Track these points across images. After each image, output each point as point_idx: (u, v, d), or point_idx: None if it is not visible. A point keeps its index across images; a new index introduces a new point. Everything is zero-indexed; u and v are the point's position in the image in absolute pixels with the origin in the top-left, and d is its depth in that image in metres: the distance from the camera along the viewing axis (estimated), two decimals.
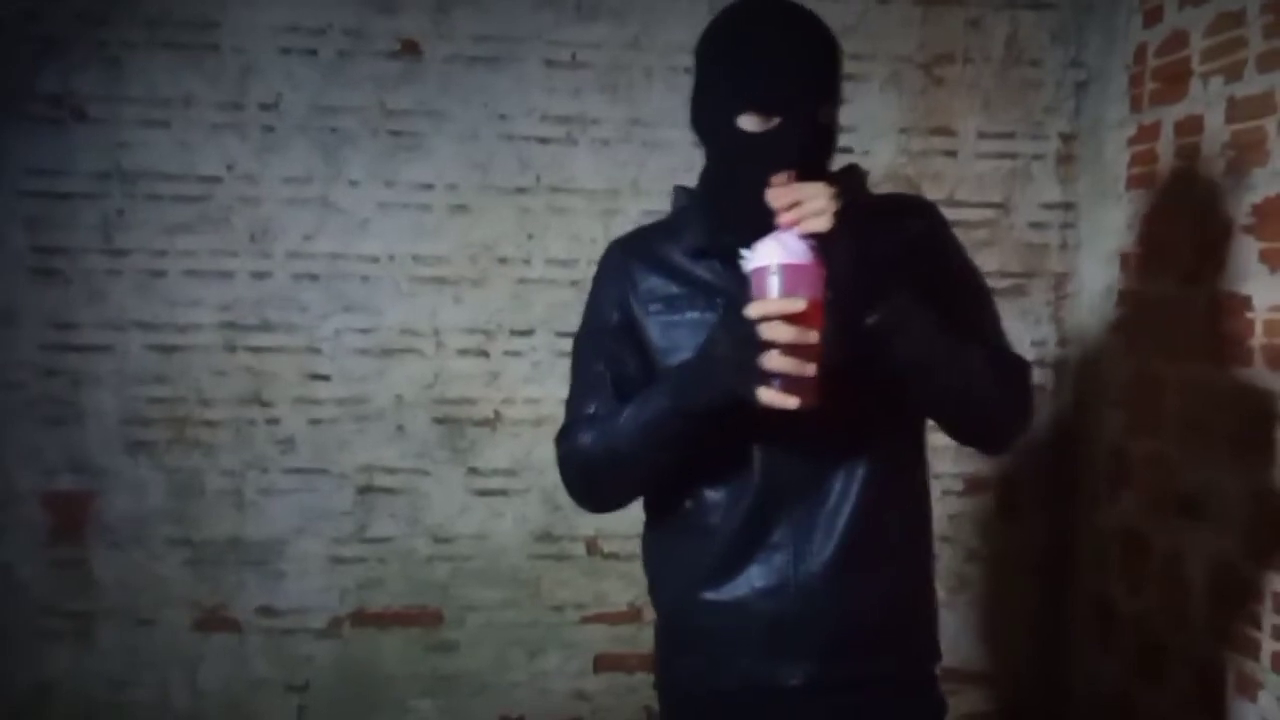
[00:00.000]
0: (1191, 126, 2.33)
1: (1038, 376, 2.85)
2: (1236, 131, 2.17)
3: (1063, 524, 2.88)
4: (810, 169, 1.32)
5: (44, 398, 2.70)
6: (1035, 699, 2.93)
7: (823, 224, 1.21)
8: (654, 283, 1.46)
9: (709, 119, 1.42)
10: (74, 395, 2.70)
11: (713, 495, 1.44)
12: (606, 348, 1.49)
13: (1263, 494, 2.04)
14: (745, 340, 1.23)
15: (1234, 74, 2.18)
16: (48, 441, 2.70)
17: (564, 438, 1.52)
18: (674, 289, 1.45)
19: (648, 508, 1.57)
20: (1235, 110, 2.18)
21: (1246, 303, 2.12)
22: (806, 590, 1.42)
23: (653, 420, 1.37)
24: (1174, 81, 2.41)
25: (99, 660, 2.75)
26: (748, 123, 1.33)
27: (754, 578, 1.43)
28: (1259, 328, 2.08)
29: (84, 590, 2.74)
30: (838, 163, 1.44)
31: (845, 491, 1.42)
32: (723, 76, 1.38)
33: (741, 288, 1.30)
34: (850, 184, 1.40)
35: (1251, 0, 2.12)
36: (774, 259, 1.21)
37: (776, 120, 1.32)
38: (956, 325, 1.38)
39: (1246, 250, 2.13)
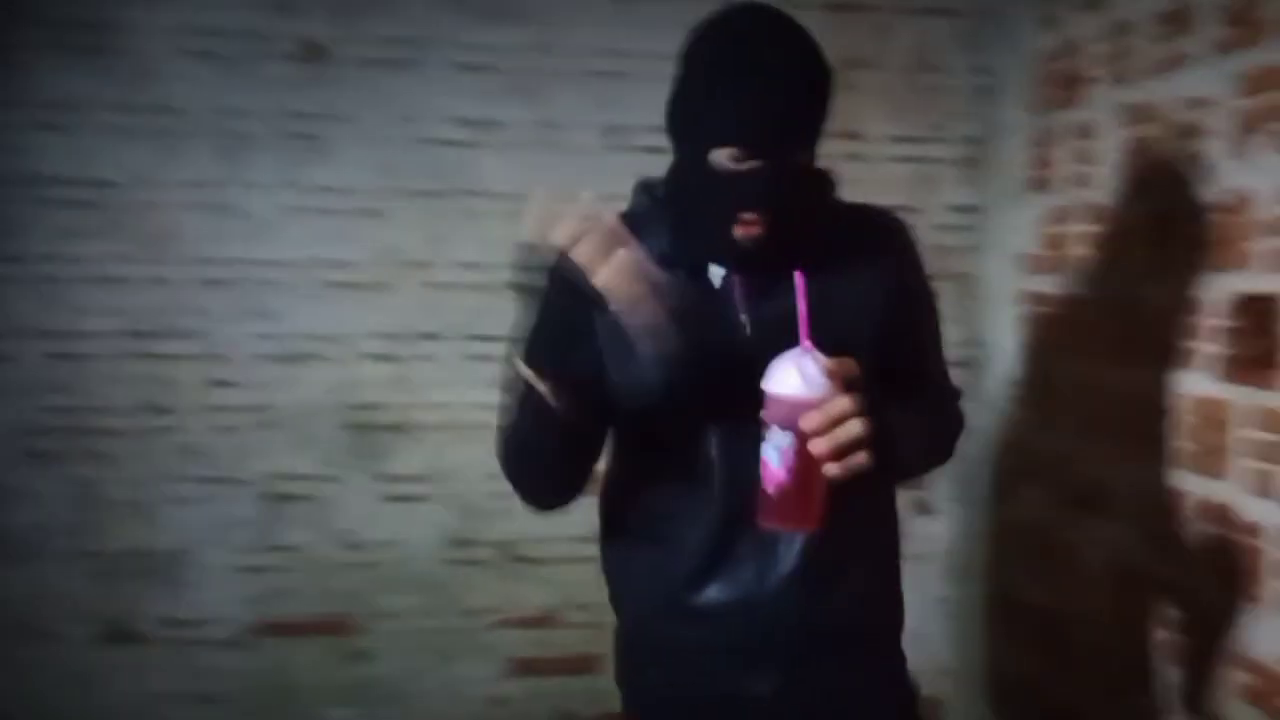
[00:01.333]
0: (1085, 131, 2.38)
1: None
2: (1126, 137, 2.22)
3: (972, 519, 2.93)
4: (784, 210, 1.27)
5: None
6: (949, 687, 2.98)
7: (862, 460, 1.18)
8: None
9: (683, 138, 1.35)
10: None
11: (676, 506, 1.43)
12: (553, 347, 1.39)
13: (1156, 489, 2.09)
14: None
15: (1124, 80, 2.23)
16: None
17: (500, 440, 1.47)
18: None
19: (604, 518, 1.56)
20: (1125, 116, 2.22)
21: (1138, 303, 2.16)
22: (772, 601, 1.41)
23: (517, 401, 1.33)
24: (1069, 87, 2.45)
25: None
26: (723, 156, 1.27)
27: (720, 590, 1.43)
28: (1152, 327, 2.12)
29: None
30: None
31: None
32: (703, 100, 1.29)
33: (708, 296, 1.35)
34: (820, 190, 1.40)
35: (1140, 9, 2.16)
36: (799, 391, 1.18)
37: (754, 162, 1.26)
38: (906, 351, 1.43)
39: (1137, 252, 2.17)
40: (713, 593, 1.43)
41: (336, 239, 2.71)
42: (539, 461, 1.42)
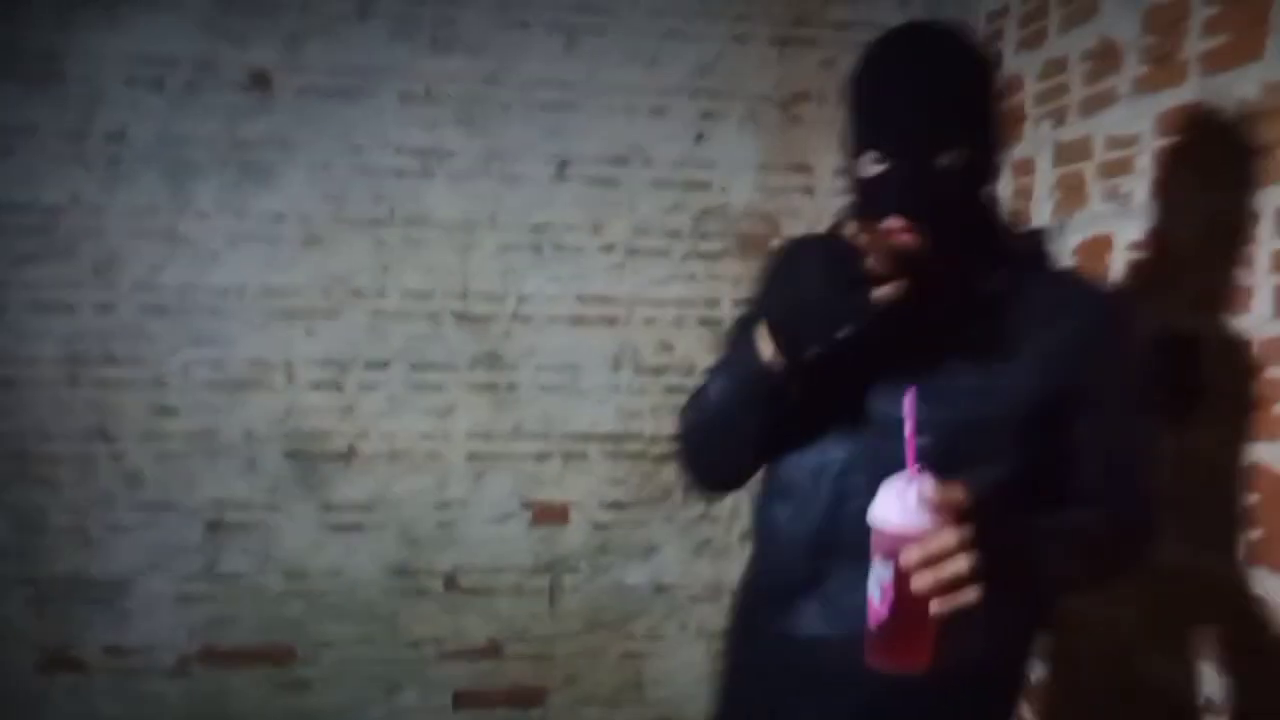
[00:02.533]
0: (1026, 168, 2.38)
1: None
2: (1061, 175, 2.21)
3: None
4: (933, 218, 1.24)
5: None
6: None
7: (970, 598, 1.07)
8: None
9: (848, 150, 1.35)
10: None
11: (785, 524, 1.41)
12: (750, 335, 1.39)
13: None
14: (845, 281, 1.18)
15: (1059, 118, 2.23)
16: None
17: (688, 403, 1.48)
18: None
19: (757, 503, 1.52)
20: (1060, 153, 2.22)
21: None
22: (851, 648, 1.22)
23: (740, 369, 1.32)
24: (1011, 124, 2.45)
25: None
26: (865, 166, 1.28)
27: (808, 618, 1.39)
28: None
29: None
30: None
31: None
32: (851, 115, 1.33)
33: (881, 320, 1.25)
34: (1025, 248, 1.36)
35: (1074, 47, 2.17)
36: (899, 522, 1.09)
37: (887, 166, 1.26)
38: (1080, 453, 1.32)
39: None
40: (798, 618, 1.40)
41: (282, 266, 2.71)
42: (742, 437, 1.38)
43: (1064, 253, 2.18)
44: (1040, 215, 2.31)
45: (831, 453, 1.36)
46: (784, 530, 1.42)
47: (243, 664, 2.77)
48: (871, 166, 1.27)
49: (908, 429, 1.13)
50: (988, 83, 1.29)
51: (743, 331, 1.41)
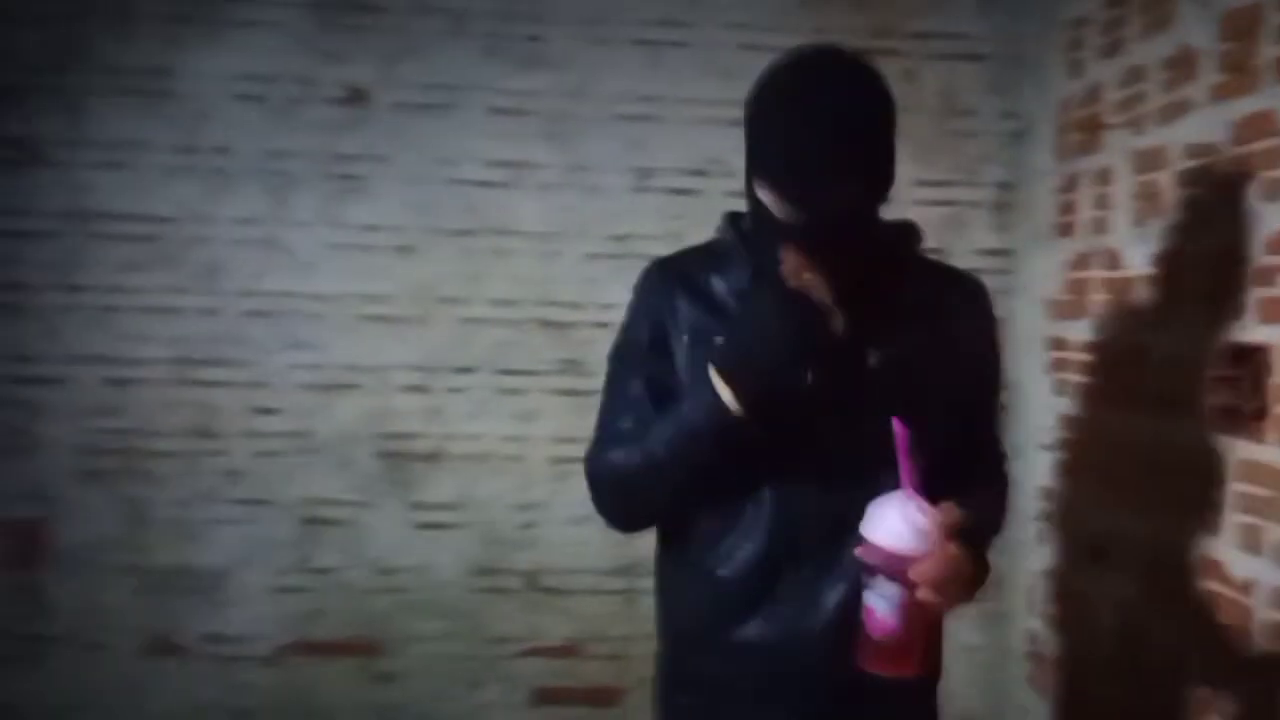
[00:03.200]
0: (1105, 177, 2.37)
1: None
2: (1141, 183, 2.20)
3: (1000, 567, 2.89)
4: (848, 246, 1.28)
5: (2, 428, 2.79)
6: None
7: (967, 603, 1.23)
8: (689, 310, 1.42)
9: (751, 180, 1.34)
10: (30, 426, 2.79)
11: (723, 539, 1.42)
12: (643, 366, 1.44)
13: (1165, 542, 2.06)
14: (795, 323, 1.25)
15: (1138, 127, 2.22)
16: (3, 470, 2.79)
17: (594, 455, 1.48)
18: (707, 320, 1.40)
19: (660, 539, 1.54)
20: (1138, 162, 2.21)
21: (1147, 350, 2.14)
22: (806, 646, 1.40)
23: (695, 420, 1.33)
24: (1091, 133, 2.45)
25: (50, 684, 2.82)
26: (779, 208, 1.27)
27: (756, 628, 1.42)
28: (1160, 376, 2.10)
29: (37, 615, 2.82)
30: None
31: (857, 556, 1.34)
32: (757, 149, 1.31)
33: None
34: (903, 242, 1.42)
35: (1152, 55, 2.16)
36: (907, 543, 1.19)
37: (804, 215, 1.25)
38: (972, 418, 1.44)
39: (1148, 299, 2.16)
40: (748, 630, 1.42)
41: (374, 274, 2.83)
42: (672, 486, 1.42)
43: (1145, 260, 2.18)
44: (1118, 225, 2.30)
45: (764, 473, 1.39)
46: (723, 553, 1.42)
47: (332, 655, 2.88)
48: (784, 210, 1.27)
49: (901, 455, 1.21)
50: (891, 115, 1.28)
51: (621, 363, 1.47)
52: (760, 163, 1.31)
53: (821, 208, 1.24)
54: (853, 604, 1.34)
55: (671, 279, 1.45)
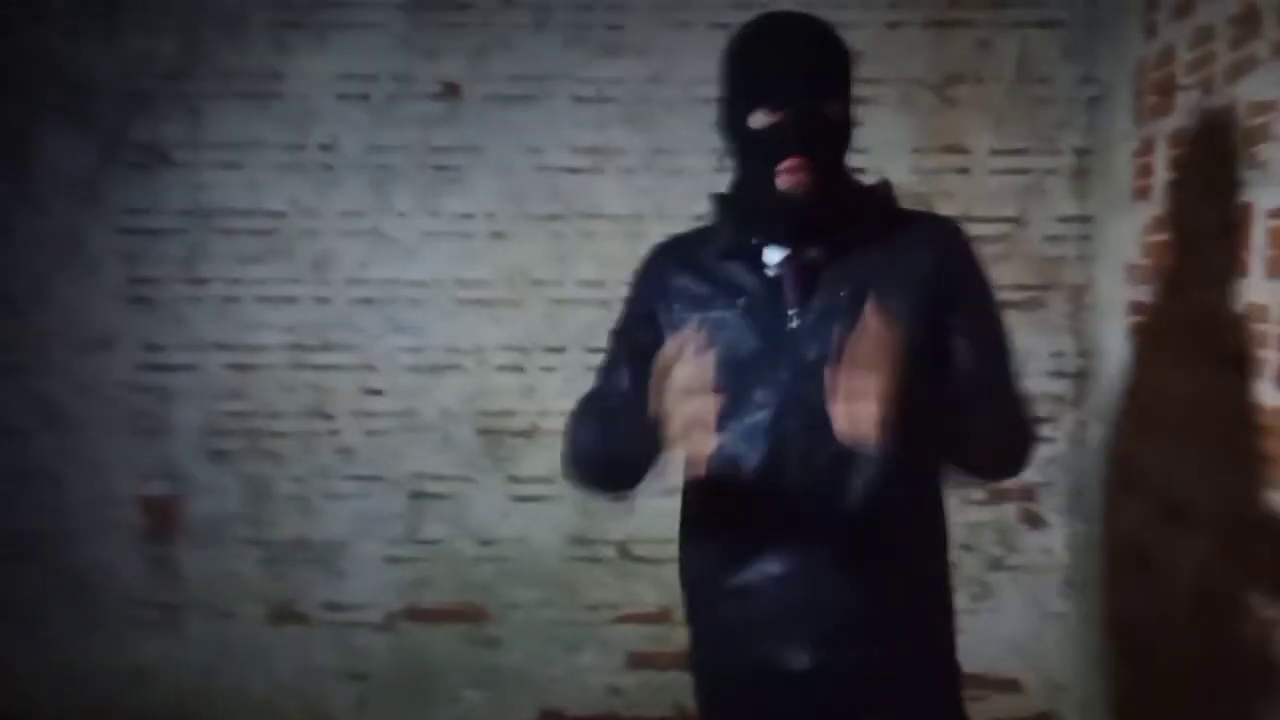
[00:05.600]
0: (1178, 140, 2.37)
1: (1059, 387, 2.90)
2: (1211, 145, 2.20)
3: (1084, 532, 2.90)
4: (821, 159, 1.46)
5: (138, 411, 3.03)
6: (1065, 702, 2.95)
7: (871, 432, 1.25)
8: (683, 282, 1.59)
9: (726, 123, 1.55)
10: (163, 409, 3.03)
11: (730, 483, 1.52)
12: (631, 337, 1.64)
13: (1240, 503, 2.05)
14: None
15: (1208, 87, 2.22)
16: (141, 451, 3.04)
17: (575, 408, 1.68)
18: (700, 289, 1.56)
19: (681, 502, 1.68)
20: (1207, 123, 2.21)
21: (1221, 310, 2.14)
22: (815, 579, 1.51)
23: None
24: (1165, 95, 2.44)
25: (187, 649, 3.06)
26: (757, 120, 1.46)
27: (765, 566, 1.53)
28: (1237, 335, 2.09)
29: (173, 585, 3.06)
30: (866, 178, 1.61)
31: (859, 487, 1.49)
32: (735, 81, 1.52)
33: (765, 289, 1.50)
34: (878, 197, 1.57)
35: (1220, 13, 2.16)
36: None
37: (781, 114, 1.45)
38: (958, 351, 1.50)
39: (1219, 260, 2.15)
40: (754, 568, 1.54)
41: (470, 260, 2.99)
42: (607, 459, 1.59)
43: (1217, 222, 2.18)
44: (1193, 186, 2.29)
45: (756, 413, 1.51)
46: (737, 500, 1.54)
47: (440, 621, 3.05)
48: (762, 120, 1.46)
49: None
50: (848, 58, 1.51)
51: (614, 338, 1.68)
52: (737, 92, 1.51)
53: (797, 104, 1.44)
54: (858, 534, 1.48)
55: (665, 259, 1.66)
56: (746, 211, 1.55)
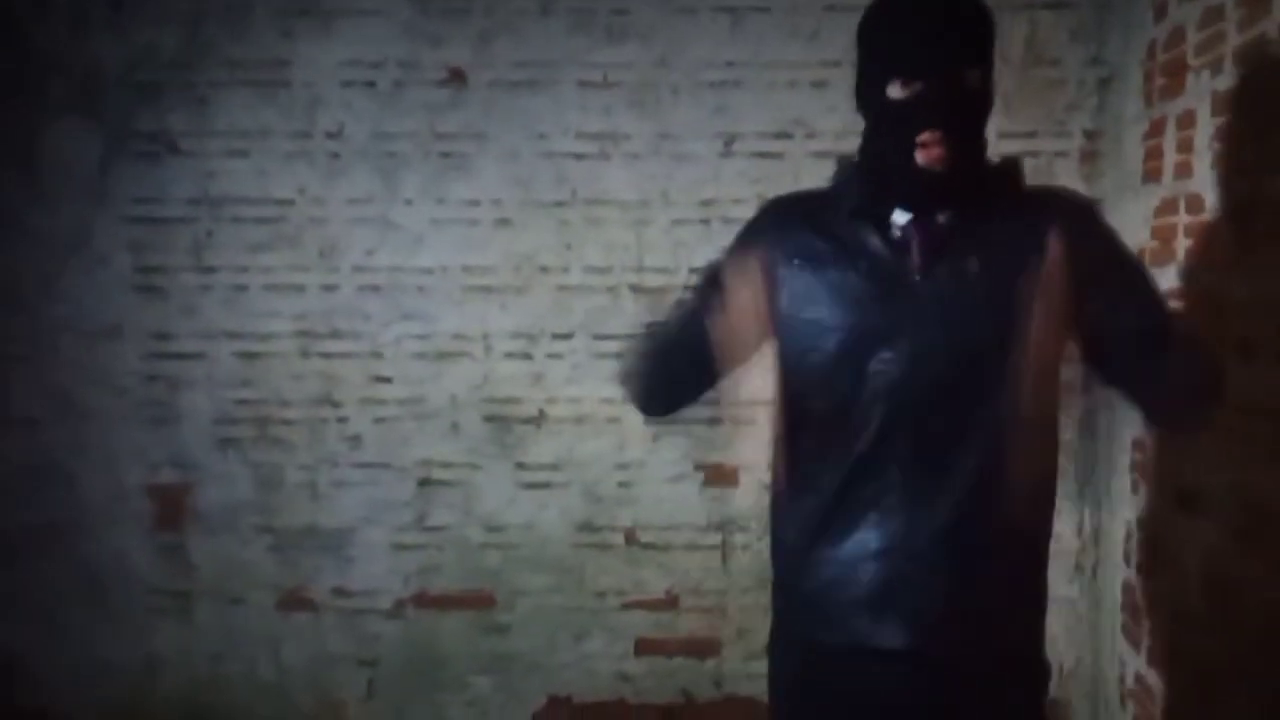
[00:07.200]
0: (1187, 121, 2.34)
1: (1067, 374, 2.86)
2: (1218, 126, 2.18)
3: (1096, 518, 2.89)
4: (959, 131, 1.42)
5: (147, 401, 3.04)
6: (1073, 688, 2.94)
7: None
8: (803, 238, 1.53)
9: (864, 93, 1.51)
10: (172, 398, 3.04)
11: (827, 454, 1.50)
12: (712, 280, 1.57)
13: (1257, 489, 2.04)
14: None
15: (1216, 68, 2.19)
16: (151, 439, 3.05)
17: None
18: (820, 245, 1.52)
19: (771, 470, 1.63)
20: (1217, 105, 2.19)
21: (1230, 295, 2.12)
22: (914, 557, 1.46)
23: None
24: (1175, 76, 2.42)
25: (198, 635, 3.08)
26: (895, 90, 1.42)
27: (865, 539, 1.49)
28: (1242, 321, 2.07)
29: (184, 572, 3.07)
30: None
31: (967, 465, 1.45)
32: (872, 51, 1.48)
33: (890, 252, 1.47)
34: (1009, 173, 1.55)
35: None
36: None
37: (919, 85, 1.41)
38: (1127, 317, 1.48)
39: (1230, 245, 2.13)
40: (858, 542, 1.49)
41: (478, 247, 2.98)
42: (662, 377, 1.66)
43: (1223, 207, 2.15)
44: (1201, 169, 2.27)
45: (875, 379, 1.48)
46: (829, 473, 1.53)
47: (449, 608, 3.06)
48: (900, 90, 1.42)
49: None
50: (988, 23, 1.47)
51: (700, 276, 1.67)
52: (874, 61, 1.47)
53: (937, 73, 1.40)
54: (963, 515, 1.45)
55: (787, 214, 1.60)
56: (879, 180, 1.50)
